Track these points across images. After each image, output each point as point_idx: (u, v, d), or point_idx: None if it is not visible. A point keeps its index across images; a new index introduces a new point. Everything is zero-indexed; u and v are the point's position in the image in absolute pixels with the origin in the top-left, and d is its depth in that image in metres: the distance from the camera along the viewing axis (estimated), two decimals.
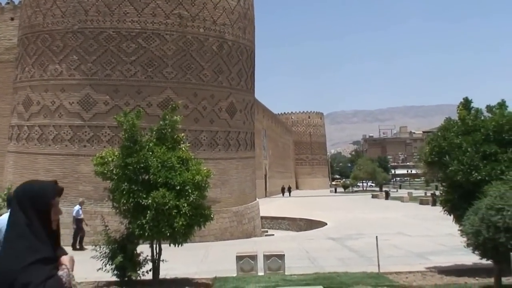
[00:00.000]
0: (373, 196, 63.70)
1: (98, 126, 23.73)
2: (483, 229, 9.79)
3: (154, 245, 13.18)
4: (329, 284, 12.30)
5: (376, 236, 15.03)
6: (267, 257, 14.37)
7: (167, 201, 12.12)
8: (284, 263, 14.28)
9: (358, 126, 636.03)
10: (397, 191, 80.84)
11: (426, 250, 18.28)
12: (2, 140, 30.99)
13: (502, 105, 14.13)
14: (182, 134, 14.18)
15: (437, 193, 29.74)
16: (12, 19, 38.00)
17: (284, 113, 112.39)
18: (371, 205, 49.38)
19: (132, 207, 12.59)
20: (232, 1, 26.90)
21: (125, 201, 12.50)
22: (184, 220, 12.27)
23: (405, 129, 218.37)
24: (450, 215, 14.06)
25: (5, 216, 8.04)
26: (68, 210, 20.44)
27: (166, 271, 13.61)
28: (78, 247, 20.92)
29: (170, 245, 13.06)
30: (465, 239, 10.72)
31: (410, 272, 13.97)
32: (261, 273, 14.10)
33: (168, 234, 12.37)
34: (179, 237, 12.65)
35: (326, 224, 31.07)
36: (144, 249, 13.19)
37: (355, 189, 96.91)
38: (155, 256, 13.16)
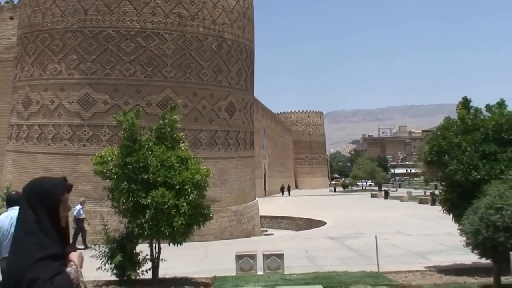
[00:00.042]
0: (373, 196, 63.69)
1: (97, 126, 23.72)
2: (482, 228, 9.79)
3: (154, 245, 13.19)
4: (328, 283, 12.30)
5: (376, 236, 15.03)
6: (266, 257, 14.37)
7: (167, 200, 12.12)
8: (284, 262, 14.28)
9: (357, 125, 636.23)
10: (396, 190, 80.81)
11: (426, 250, 18.29)
12: (1, 139, 30.97)
13: (501, 104, 14.13)
14: (182, 134, 14.17)
15: (437, 192, 29.74)
16: (11, 18, 37.97)
17: (284, 112, 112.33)
18: (371, 204, 49.38)
19: (131, 206, 12.59)
20: (231, 0, 26.88)
21: (124, 200, 12.50)
22: (184, 220, 12.27)
23: (405, 128, 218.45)
24: (449, 214, 14.05)
25: (4, 215, 8.03)
26: None
27: (166, 270, 13.61)
28: (83, 246, 20.88)
29: (169, 245, 13.06)
30: (464, 238, 10.72)
31: (409, 272, 13.97)
32: (260, 273, 14.10)
33: (168, 233, 12.37)
34: (179, 236, 12.65)
35: (326, 223, 31.07)
36: (143, 249, 13.19)
37: (355, 188, 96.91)
38: (154, 256, 13.17)
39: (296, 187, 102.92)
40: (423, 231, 24.41)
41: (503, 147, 12.96)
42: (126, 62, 23.82)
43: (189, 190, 12.44)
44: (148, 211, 12.16)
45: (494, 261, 10.43)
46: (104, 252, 12.78)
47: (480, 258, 10.80)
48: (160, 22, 24.26)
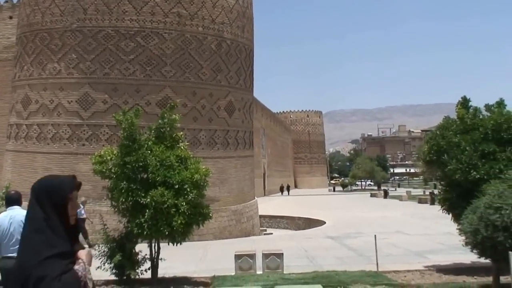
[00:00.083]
0: (372, 195, 63.73)
1: (96, 125, 23.71)
2: (481, 227, 9.79)
3: (153, 244, 13.18)
4: (327, 282, 12.30)
5: (375, 235, 15.03)
6: (265, 256, 14.37)
7: (166, 199, 12.12)
8: (283, 261, 14.28)
9: (357, 125, 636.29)
10: (395, 190, 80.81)
11: (425, 249, 18.30)
12: (0, 138, 30.93)
13: (500, 103, 14.12)
14: (181, 133, 14.16)
15: (436, 192, 29.77)
16: (10, 17, 37.94)
17: (283, 111, 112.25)
18: (370, 204, 49.39)
19: (130, 205, 12.58)
20: (231, 0, 26.87)
21: (123, 200, 12.50)
22: (183, 219, 12.27)
23: (404, 128, 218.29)
24: (448, 213, 14.05)
25: (3, 214, 8.03)
26: None
27: (165, 270, 13.61)
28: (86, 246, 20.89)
29: (168, 244, 13.05)
30: (463, 237, 10.72)
31: (408, 271, 13.97)
32: (259, 272, 14.10)
33: (167, 233, 12.36)
34: (178, 236, 12.64)
35: (325, 223, 31.06)
36: (142, 248, 13.18)
37: (354, 188, 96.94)
38: (153, 255, 13.16)
39: (296, 186, 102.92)
40: (422, 231, 24.43)
41: (502, 146, 12.96)
42: (125, 62, 23.81)
43: (189, 189, 12.43)
44: (147, 210, 12.16)
45: (493, 260, 10.43)
46: (104, 251, 12.78)
47: (479, 257, 10.79)
48: (159, 21, 24.24)
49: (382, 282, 12.44)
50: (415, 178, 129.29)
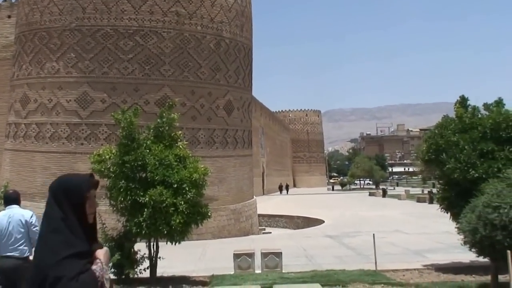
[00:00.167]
0: (370, 194, 63.75)
1: (95, 124, 23.69)
2: (480, 226, 9.79)
3: (152, 243, 13.19)
4: (326, 281, 12.30)
5: (373, 234, 15.03)
6: (264, 255, 14.38)
7: (164, 199, 12.12)
8: (282, 261, 14.29)
9: (355, 124, 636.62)
10: (394, 189, 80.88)
11: (423, 248, 18.31)
12: None
13: (499, 103, 14.13)
14: (180, 132, 14.17)
15: (434, 191, 29.78)
16: (9, 16, 37.90)
17: (282, 111, 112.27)
18: (368, 203, 49.41)
19: (129, 205, 12.58)
20: None
21: (122, 199, 12.50)
22: (182, 218, 12.27)
23: (403, 127, 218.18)
24: (447, 212, 14.06)
25: (2, 214, 8.03)
26: None
27: (164, 269, 13.61)
28: None
29: (167, 243, 13.06)
30: (462, 236, 10.72)
31: (407, 270, 13.98)
32: (258, 271, 14.11)
33: (166, 232, 12.37)
34: (176, 235, 12.65)
35: (324, 222, 31.08)
36: (141, 247, 13.18)
37: (353, 187, 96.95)
38: (152, 254, 13.17)
39: (294, 185, 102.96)
40: (421, 230, 24.45)
41: (501, 145, 12.97)
42: (124, 61, 23.79)
43: (187, 188, 12.43)
44: (146, 209, 12.16)
45: (491, 259, 10.44)
46: None
47: (478, 256, 10.80)
48: (158, 20, 24.22)
49: (381, 281, 12.45)
50: (413, 177, 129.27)
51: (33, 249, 2.87)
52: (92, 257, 2.76)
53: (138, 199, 12.30)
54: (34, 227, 7.94)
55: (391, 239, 20.57)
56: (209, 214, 13.30)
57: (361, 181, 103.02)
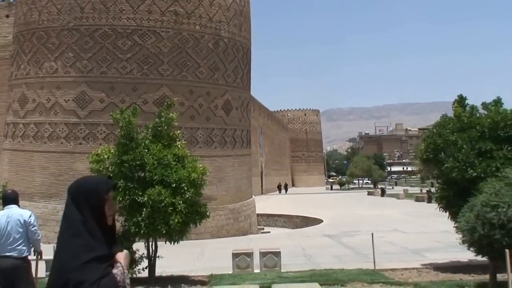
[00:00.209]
0: (369, 193, 63.79)
1: (93, 124, 23.67)
2: (478, 226, 9.81)
3: (150, 243, 13.18)
4: (325, 281, 12.31)
5: (372, 233, 15.05)
6: (263, 254, 14.39)
7: (163, 198, 12.11)
8: (280, 260, 14.30)
9: (354, 123, 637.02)
10: (392, 188, 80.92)
11: (422, 247, 18.33)
12: None
13: (497, 102, 14.14)
14: (178, 132, 14.16)
15: (433, 190, 29.82)
16: (7, 16, 37.88)
17: (280, 110, 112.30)
18: (367, 202, 49.44)
19: (128, 204, 12.57)
20: None
21: (121, 199, 12.48)
22: (180, 218, 12.26)
23: (401, 126, 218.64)
24: (445, 212, 14.07)
25: (1, 213, 8.02)
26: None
27: (162, 269, 13.61)
28: None
29: (166, 243, 13.05)
30: (460, 236, 10.74)
31: (405, 269, 13.99)
32: (257, 270, 14.11)
33: (164, 231, 12.36)
34: (175, 234, 12.64)
35: (322, 221, 31.10)
36: (140, 247, 13.17)
37: (351, 186, 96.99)
38: (151, 254, 13.16)
39: (293, 185, 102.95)
40: (420, 229, 24.47)
41: (499, 144, 12.98)
42: (122, 60, 23.77)
43: (186, 188, 12.43)
44: (144, 209, 12.15)
45: (490, 258, 10.45)
46: None
47: (476, 255, 10.82)
48: (156, 20, 24.21)
49: (379, 280, 12.46)
50: (412, 176, 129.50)
51: (54, 252, 2.84)
52: (112, 260, 2.74)
53: (136, 198, 12.29)
54: (32, 227, 7.94)
55: (389, 238, 20.59)
56: (208, 213, 13.29)
57: (359, 181, 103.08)
